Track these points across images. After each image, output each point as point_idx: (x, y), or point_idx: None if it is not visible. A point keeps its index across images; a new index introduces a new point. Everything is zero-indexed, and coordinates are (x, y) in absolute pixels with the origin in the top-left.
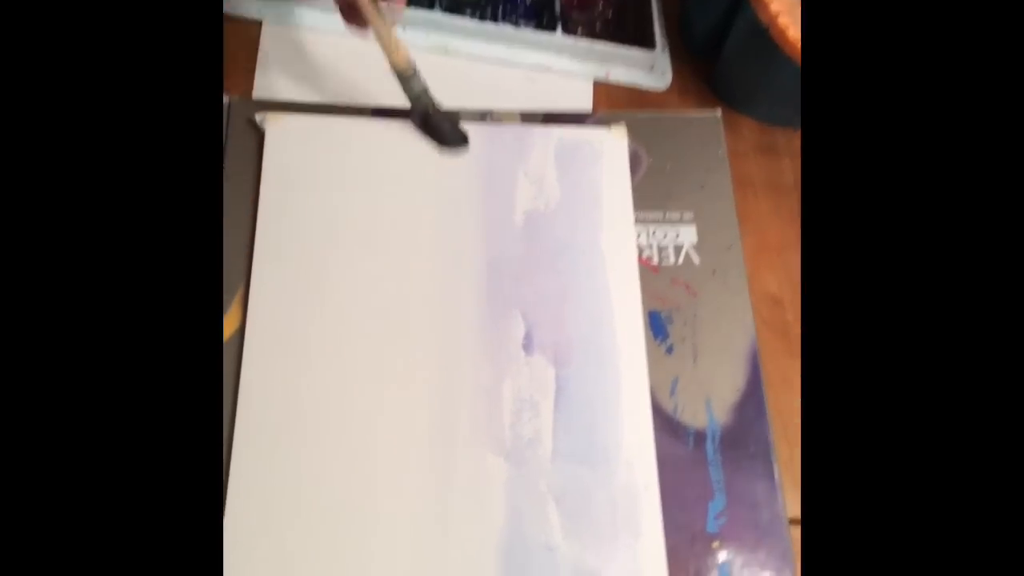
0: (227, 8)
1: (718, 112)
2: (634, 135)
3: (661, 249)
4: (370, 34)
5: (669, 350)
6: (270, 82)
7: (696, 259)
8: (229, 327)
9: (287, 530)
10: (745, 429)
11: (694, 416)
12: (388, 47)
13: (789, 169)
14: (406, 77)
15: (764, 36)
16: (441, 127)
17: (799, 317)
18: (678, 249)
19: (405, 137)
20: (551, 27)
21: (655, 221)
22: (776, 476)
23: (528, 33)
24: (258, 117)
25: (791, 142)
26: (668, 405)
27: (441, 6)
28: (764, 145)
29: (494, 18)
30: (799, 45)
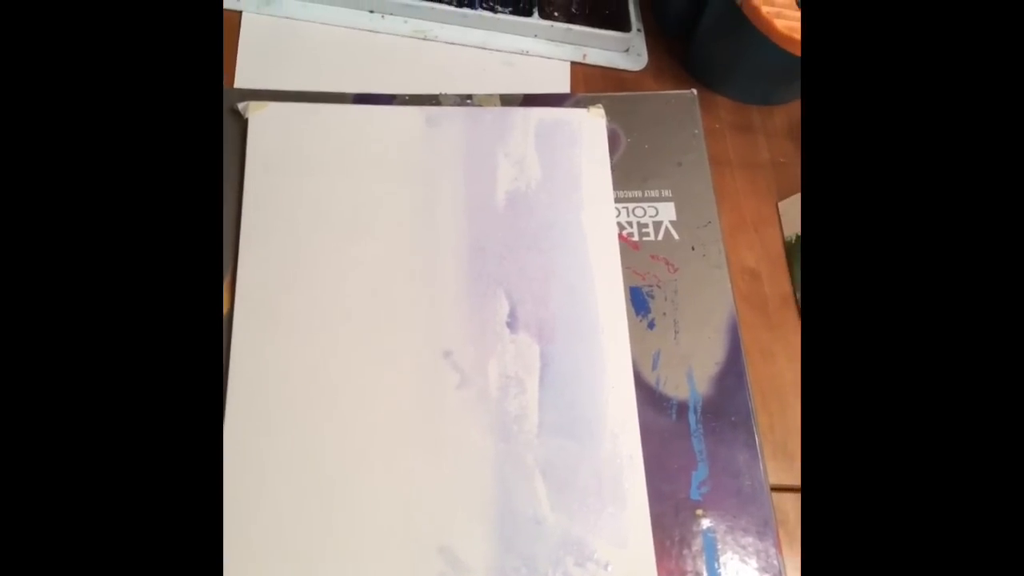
0: None
1: (694, 91)
2: (612, 115)
3: (641, 226)
4: None
5: (651, 324)
6: (251, 71)
7: (675, 235)
8: None
9: (279, 510)
10: (726, 400)
11: (676, 388)
12: None
13: (764, 147)
14: None
15: (738, 14)
16: None
17: (776, 291)
18: (657, 226)
19: (387, 122)
20: (528, 11)
21: (634, 199)
22: (757, 445)
23: (505, 18)
24: (240, 106)
25: (766, 120)
26: (651, 378)
27: None
28: (739, 124)
29: (472, 4)
30: (772, 22)
